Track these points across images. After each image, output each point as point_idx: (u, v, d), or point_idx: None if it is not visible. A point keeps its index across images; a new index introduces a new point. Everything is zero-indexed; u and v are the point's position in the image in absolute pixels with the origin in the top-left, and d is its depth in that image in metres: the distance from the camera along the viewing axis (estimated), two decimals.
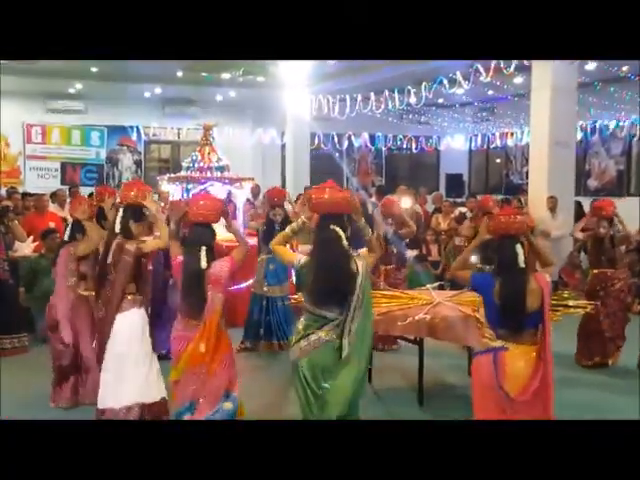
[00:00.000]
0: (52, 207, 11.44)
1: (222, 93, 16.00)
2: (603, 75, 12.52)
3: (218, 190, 9.95)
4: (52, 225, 9.55)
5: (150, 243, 5.60)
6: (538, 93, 12.00)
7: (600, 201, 8.73)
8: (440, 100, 16.28)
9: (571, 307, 6.42)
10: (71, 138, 17.64)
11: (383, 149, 20.55)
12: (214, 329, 4.71)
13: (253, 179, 11.68)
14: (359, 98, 14.57)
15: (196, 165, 10.21)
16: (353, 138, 19.62)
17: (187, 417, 4.77)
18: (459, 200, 16.43)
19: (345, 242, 4.46)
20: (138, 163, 18.49)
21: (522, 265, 4.47)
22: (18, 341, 8.23)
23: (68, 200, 12.11)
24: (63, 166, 17.68)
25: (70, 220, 6.72)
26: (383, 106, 14.40)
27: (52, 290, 6.50)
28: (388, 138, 20.27)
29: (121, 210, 5.57)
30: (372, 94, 14.33)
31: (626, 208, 9.08)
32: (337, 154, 18.85)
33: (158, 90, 15.94)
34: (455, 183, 20.01)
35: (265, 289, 8.41)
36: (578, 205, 13.30)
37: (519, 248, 4.51)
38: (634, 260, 9.21)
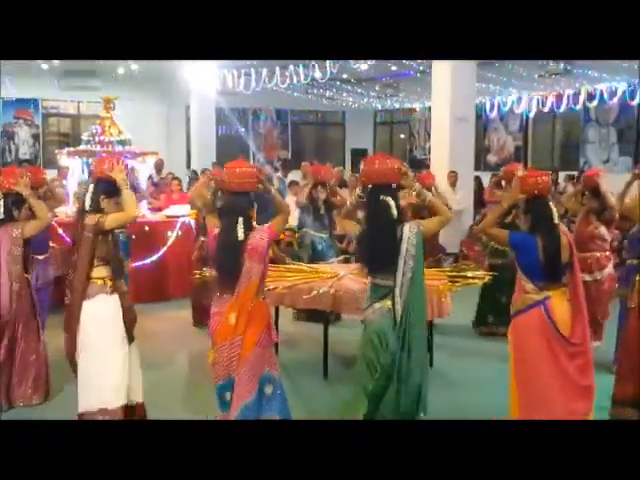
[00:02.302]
0: None
1: (124, 65, 15.60)
2: None
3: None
4: None
5: (113, 216, 4.98)
6: (439, 69, 12.23)
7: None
8: (345, 75, 16.37)
9: (470, 278, 6.66)
10: None
11: (289, 124, 20.56)
12: (248, 301, 4.50)
13: (157, 153, 11.50)
14: (264, 73, 14.51)
15: (96, 139, 9.98)
16: (259, 113, 19.53)
17: (227, 396, 4.54)
18: None
19: (394, 211, 4.57)
20: (36, 137, 17.89)
21: (557, 221, 4.79)
22: None
23: None
24: None
25: None
26: (288, 81, 14.40)
27: None
28: (294, 113, 20.28)
29: (92, 185, 5.10)
30: (277, 68, 14.30)
31: None
32: (243, 129, 18.76)
33: (56, 61, 15.39)
34: (360, 158, 20.19)
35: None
36: (477, 180, 13.69)
37: (553, 206, 4.80)
38: None
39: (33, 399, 5.74)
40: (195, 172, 15.85)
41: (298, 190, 10.20)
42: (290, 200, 9.86)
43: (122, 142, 10.03)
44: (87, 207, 5.01)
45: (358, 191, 4.85)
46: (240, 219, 4.54)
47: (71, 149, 10.66)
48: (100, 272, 4.96)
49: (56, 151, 11.57)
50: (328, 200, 8.43)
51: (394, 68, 15.06)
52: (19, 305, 5.70)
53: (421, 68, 14.39)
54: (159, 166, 12.95)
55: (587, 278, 7.02)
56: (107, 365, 4.90)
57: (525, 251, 4.81)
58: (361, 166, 4.77)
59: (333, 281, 6.39)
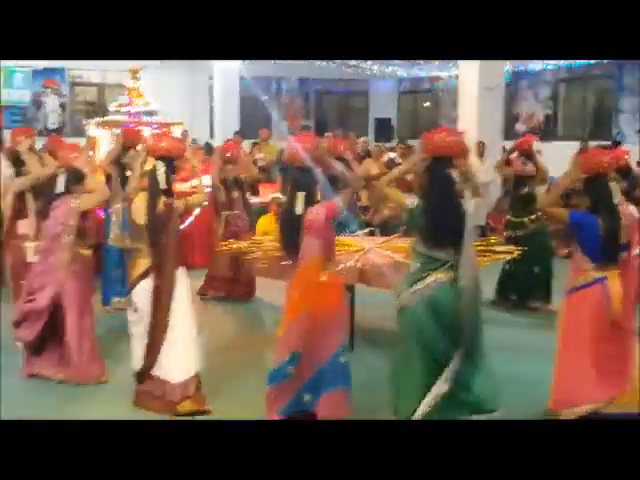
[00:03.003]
0: None
1: None
2: None
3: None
4: None
5: (194, 199, 5.31)
6: None
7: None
8: None
9: (498, 252, 6.60)
10: None
11: (312, 92, 20.40)
12: (312, 277, 4.53)
13: (182, 124, 11.49)
14: None
15: (124, 109, 9.98)
16: (282, 81, 19.40)
17: (290, 369, 4.58)
18: (388, 145, 16.47)
19: (458, 184, 4.54)
20: (63, 106, 17.92)
21: (617, 201, 4.79)
22: None
23: None
24: None
25: (61, 169, 5.81)
26: None
27: None
28: (317, 81, 20.11)
29: (160, 164, 5.01)
30: None
31: (553, 152, 9.24)
32: (266, 98, 18.64)
33: None
34: (384, 127, 20.02)
35: (127, 241, 7.45)
36: (504, 150, 13.51)
37: (614, 185, 4.82)
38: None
39: (102, 377, 5.75)
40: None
41: None
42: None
43: (150, 113, 10.04)
44: (162, 187, 5.00)
45: (417, 160, 4.72)
46: (301, 194, 4.58)
47: (100, 119, 10.67)
48: None
49: (84, 121, 11.60)
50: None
51: None
52: (74, 279, 5.62)
53: None
54: (184, 136, 12.93)
55: None
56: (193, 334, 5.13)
57: (586, 231, 4.79)
58: (430, 137, 4.63)
59: (359, 255, 6.35)
